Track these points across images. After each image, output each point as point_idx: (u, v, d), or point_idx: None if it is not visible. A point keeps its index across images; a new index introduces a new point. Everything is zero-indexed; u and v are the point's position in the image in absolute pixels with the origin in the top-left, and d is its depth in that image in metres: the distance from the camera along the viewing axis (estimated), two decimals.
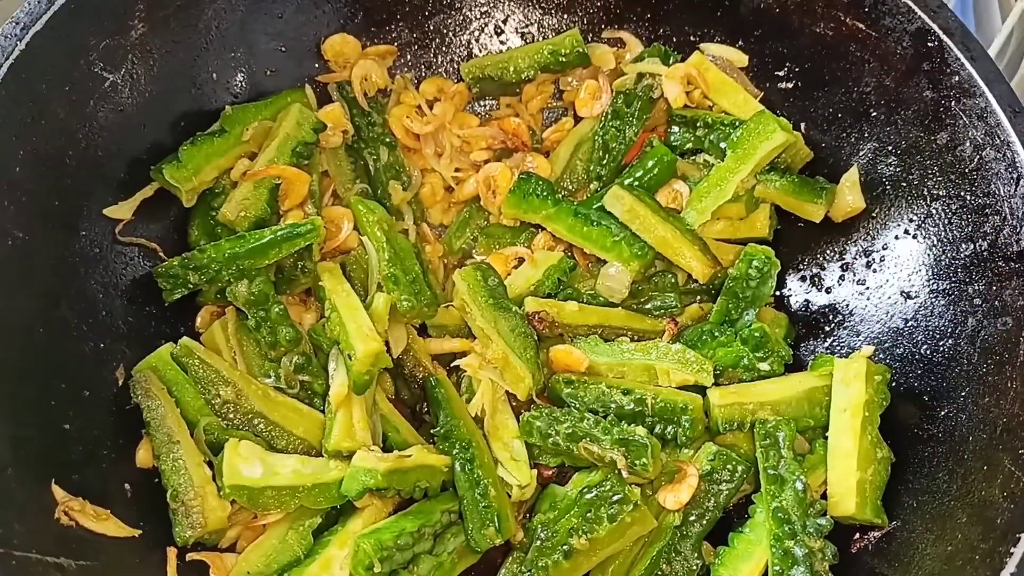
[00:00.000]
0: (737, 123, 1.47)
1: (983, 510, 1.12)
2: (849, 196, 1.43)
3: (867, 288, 1.43)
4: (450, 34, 1.65)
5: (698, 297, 1.52)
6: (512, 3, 1.65)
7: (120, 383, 1.30)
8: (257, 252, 1.35)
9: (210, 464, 1.26)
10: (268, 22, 1.50)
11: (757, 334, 1.37)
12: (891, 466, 1.28)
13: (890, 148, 1.39)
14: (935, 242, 1.33)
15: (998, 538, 1.07)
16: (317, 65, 1.58)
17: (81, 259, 1.31)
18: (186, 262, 1.36)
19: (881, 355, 1.36)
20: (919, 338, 1.32)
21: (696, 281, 1.47)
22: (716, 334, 1.41)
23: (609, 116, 1.56)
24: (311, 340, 1.38)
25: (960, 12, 1.31)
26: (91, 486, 1.17)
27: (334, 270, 1.41)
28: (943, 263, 1.31)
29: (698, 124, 1.52)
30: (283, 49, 1.53)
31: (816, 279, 1.50)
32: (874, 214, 1.42)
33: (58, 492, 1.13)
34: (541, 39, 1.65)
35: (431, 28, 1.64)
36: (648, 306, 1.51)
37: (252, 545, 1.25)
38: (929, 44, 1.30)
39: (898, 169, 1.38)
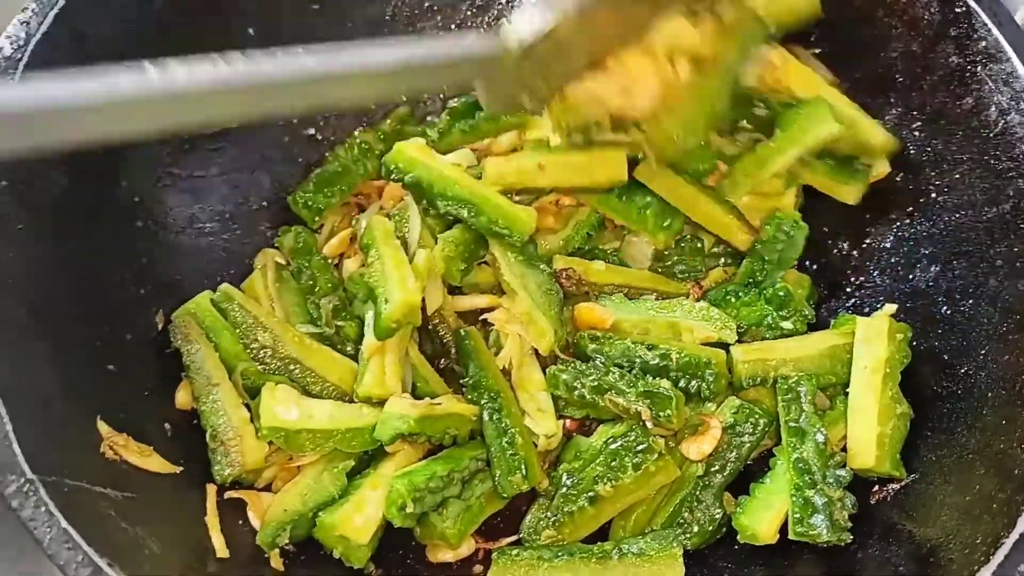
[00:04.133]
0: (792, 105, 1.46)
1: (1001, 462, 1.15)
2: (875, 161, 1.45)
3: (890, 250, 1.45)
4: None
5: (722, 260, 1.55)
6: None
7: (160, 327, 1.34)
8: None
9: (247, 407, 1.30)
10: None
11: (781, 293, 1.39)
12: (910, 422, 1.31)
13: (915, 113, 1.41)
14: (958, 204, 1.35)
15: (1016, 488, 1.10)
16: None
17: (122, 207, 1.34)
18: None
19: (903, 315, 1.38)
20: (940, 298, 1.35)
21: (723, 243, 1.50)
22: (740, 294, 1.44)
23: None
24: (349, 288, 1.42)
25: None
26: (134, 424, 1.21)
27: (386, 222, 1.44)
28: (966, 225, 1.33)
29: (754, 101, 1.49)
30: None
31: (840, 241, 1.52)
32: (898, 178, 1.44)
33: (103, 428, 1.17)
34: None
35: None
36: (674, 269, 1.53)
37: (288, 485, 1.29)
38: (957, 10, 1.32)
39: (923, 134, 1.40)
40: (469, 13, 1.66)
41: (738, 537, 1.29)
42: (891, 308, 1.39)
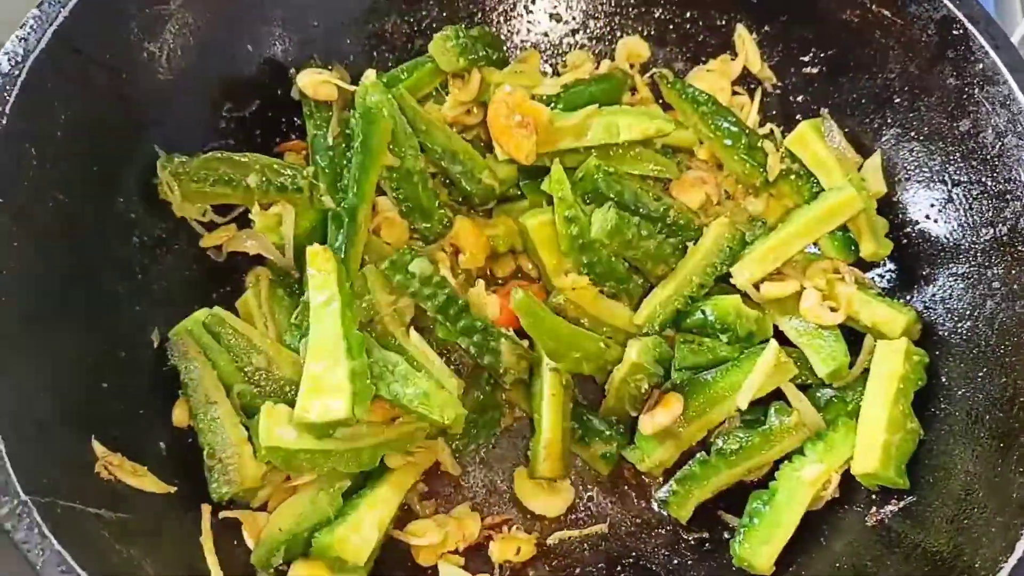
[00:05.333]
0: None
1: (999, 486, 1.15)
2: (872, 180, 1.45)
3: (888, 271, 1.46)
4: (480, 13, 1.67)
5: None
6: None
7: (156, 345, 1.34)
8: None
9: (244, 426, 1.29)
10: None
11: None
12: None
13: (913, 134, 1.41)
14: (956, 227, 1.35)
15: (1014, 512, 1.10)
16: (349, 41, 1.59)
17: (118, 223, 1.33)
18: None
19: None
20: (938, 320, 1.35)
21: None
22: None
23: None
24: None
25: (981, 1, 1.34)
26: (129, 444, 1.20)
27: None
28: (963, 247, 1.34)
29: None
30: (315, 24, 1.55)
31: None
32: (896, 199, 1.44)
33: (98, 447, 1.16)
34: (570, 19, 1.67)
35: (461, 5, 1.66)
36: None
37: (284, 504, 1.28)
38: (954, 32, 1.32)
39: (920, 155, 1.41)
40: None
41: (733, 561, 1.29)
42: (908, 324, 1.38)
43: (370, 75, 1.45)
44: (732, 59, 1.60)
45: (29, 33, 1.20)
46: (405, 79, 1.52)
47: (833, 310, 1.36)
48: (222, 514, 1.26)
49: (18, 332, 1.13)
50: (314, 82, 1.47)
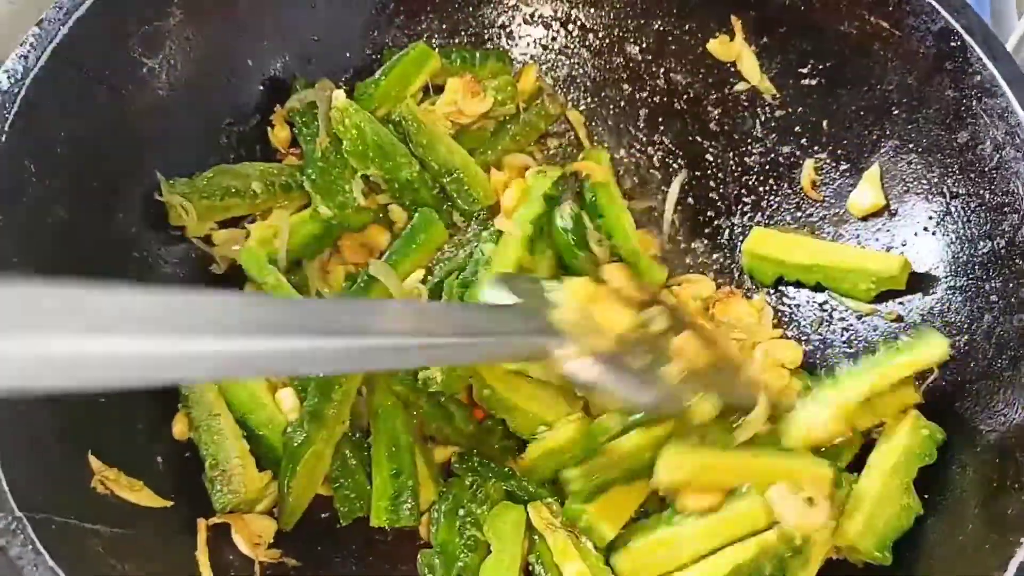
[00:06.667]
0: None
1: (994, 501, 1.14)
2: (870, 192, 1.45)
3: None
4: (479, 26, 1.68)
5: None
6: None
7: None
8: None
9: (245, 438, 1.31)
10: (301, 11, 1.54)
11: None
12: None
13: (911, 146, 1.41)
14: (953, 239, 1.35)
15: (1009, 528, 1.09)
16: (349, 54, 1.61)
17: (117, 239, 1.35)
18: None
19: None
20: None
21: None
22: None
23: None
24: None
25: (976, 8, 1.33)
26: (125, 458, 1.21)
27: None
28: (961, 260, 1.33)
29: None
30: (316, 39, 1.57)
31: None
32: (894, 211, 1.44)
33: (94, 462, 1.17)
34: (577, 30, 1.68)
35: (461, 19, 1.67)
36: None
37: None
38: (952, 44, 1.32)
39: (919, 167, 1.40)
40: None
41: None
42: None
43: (339, 96, 1.46)
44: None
45: (29, 51, 1.21)
46: (382, 82, 1.52)
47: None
48: (212, 520, 1.27)
49: None
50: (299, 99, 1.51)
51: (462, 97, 1.54)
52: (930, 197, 1.38)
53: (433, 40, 1.65)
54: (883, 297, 1.43)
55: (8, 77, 1.20)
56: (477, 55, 1.63)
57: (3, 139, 1.16)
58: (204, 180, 1.43)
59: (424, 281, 1.46)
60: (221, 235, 1.46)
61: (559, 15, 1.68)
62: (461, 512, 1.31)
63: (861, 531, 1.22)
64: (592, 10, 1.66)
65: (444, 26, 1.66)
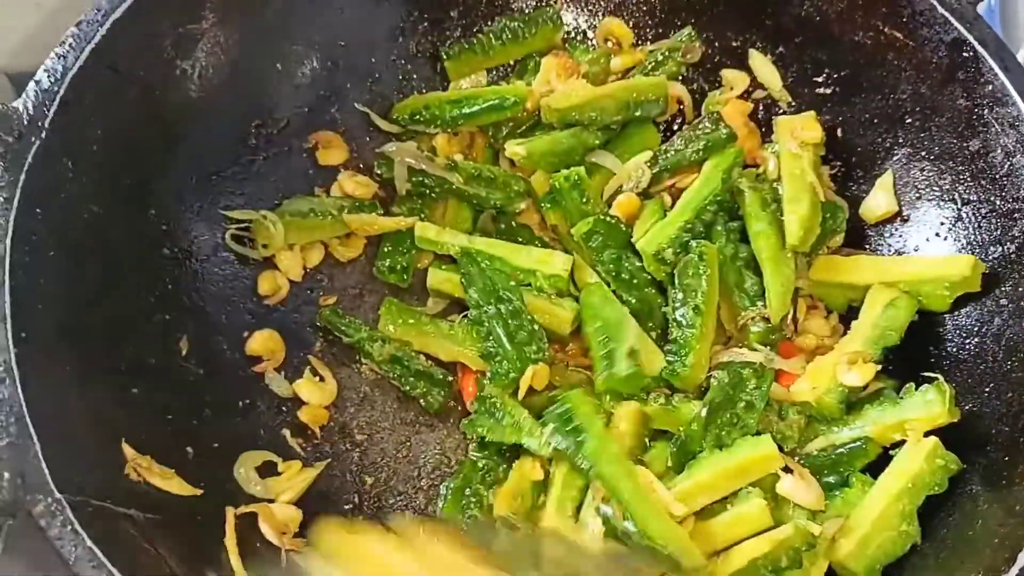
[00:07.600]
0: None
1: (1003, 498, 1.17)
2: (883, 199, 1.48)
3: None
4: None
5: None
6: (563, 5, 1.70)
7: (183, 353, 1.38)
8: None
9: None
10: (328, 17, 1.57)
11: None
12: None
13: (923, 153, 1.44)
14: (964, 244, 1.38)
15: (1018, 522, 1.12)
16: (374, 59, 1.64)
17: (149, 234, 1.38)
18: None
19: None
20: (946, 336, 1.38)
21: None
22: None
23: None
24: None
25: (987, 19, 1.36)
26: (157, 447, 1.24)
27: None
28: None
29: None
30: (342, 44, 1.60)
31: None
32: (906, 217, 1.47)
33: (128, 450, 1.20)
34: (593, 41, 1.70)
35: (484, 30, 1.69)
36: None
37: None
38: (964, 54, 1.35)
39: (931, 174, 1.43)
40: None
41: None
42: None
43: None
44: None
45: (68, 51, 1.24)
46: None
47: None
48: (240, 510, 1.30)
49: (53, 340, 1.17)
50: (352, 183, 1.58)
51: (555, 76, 1.58)
52: (942, 203, 1.42)
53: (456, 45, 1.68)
54: None
55: (48, 76, 1.23)
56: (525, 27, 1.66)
57: (44, 136, 1.19)
58: (285, 204, 1.52)
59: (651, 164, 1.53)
60: (286, 256, 1.52)
61: (576, 25, 1.71)
62: (468, 492, 1.36)
63: (853, 551, 1.22)
64: (611, 18, 1.69)
65: (467, 33, 1.69)
